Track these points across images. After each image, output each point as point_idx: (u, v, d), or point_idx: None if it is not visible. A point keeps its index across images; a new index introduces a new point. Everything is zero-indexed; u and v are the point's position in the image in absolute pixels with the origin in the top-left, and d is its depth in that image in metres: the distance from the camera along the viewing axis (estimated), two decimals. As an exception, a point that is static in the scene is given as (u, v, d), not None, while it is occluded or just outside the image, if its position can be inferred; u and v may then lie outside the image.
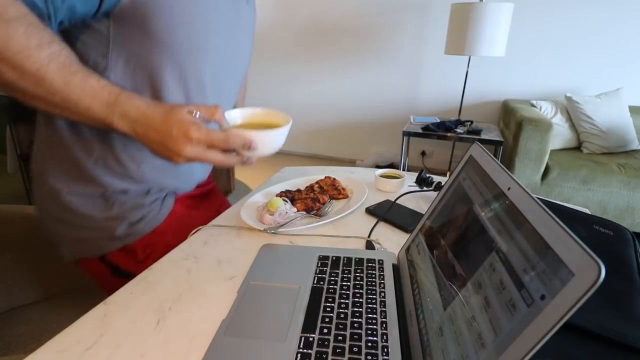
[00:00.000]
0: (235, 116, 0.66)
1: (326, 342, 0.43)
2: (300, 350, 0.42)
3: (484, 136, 2.29)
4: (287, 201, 0.78)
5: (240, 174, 2.89)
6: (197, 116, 0.56)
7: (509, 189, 0.37)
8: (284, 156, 3.50)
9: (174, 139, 0.53)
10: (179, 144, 0.53)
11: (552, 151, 2.18)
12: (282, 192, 0.85)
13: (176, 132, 0.53)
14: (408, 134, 2.39)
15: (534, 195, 0.33)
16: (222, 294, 0.53)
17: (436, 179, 0.90)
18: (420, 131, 2.39)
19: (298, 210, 0.77)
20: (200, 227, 0.71)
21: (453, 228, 0.47)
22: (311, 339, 0.44)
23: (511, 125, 2.23)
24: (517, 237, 0.33)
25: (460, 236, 0.44)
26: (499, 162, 0.42)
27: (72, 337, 0.45)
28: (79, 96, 0.51)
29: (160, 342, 0.44)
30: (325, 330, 0.45)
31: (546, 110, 2.32)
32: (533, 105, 2.38)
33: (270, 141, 0.61)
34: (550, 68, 2.62)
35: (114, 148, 0.65)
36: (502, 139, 2.24)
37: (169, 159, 0.56)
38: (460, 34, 2.18)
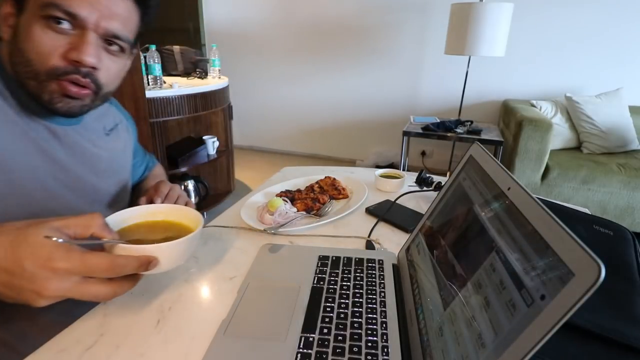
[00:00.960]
0: (126, 217, 0.51)
1: (326, 342, 0.43)
2: (300, 350, 0.42)
3: (484, 136, 2.29)
4: (287, 201, 0.78)
5: (240, 174, 2.90)
6: (60, 242, 0.37)
7: (509, 189, 0.37)
8: (284, 156, 3.50)
9: (30, 276, 0.36)
10: (38, 282, 0.36)
11: (552, 151, 2.17)
12: (282, 192, 0.85)
13: (31, 265, 0.36)
14: (408, 134, 2.39)
15: (534, 195, 0.33)
16: (222, 294, 0.53)
17: (436, 179, 0.90)
18: (420, 131, 2.39)
19: (298, 210, 0.77)
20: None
21: (453, 228, 0.47)
22: (311, 339, 0.44)
23: (511, 125, 2.22)
24: (517, 237, 0.33)
25: (460, 236, 0.44)
26: (499, 162, 0.42)
27: (72, 337, 0.45)
28: None
29: (160, 342, 0.45)
30: (325, 330, 0.45)
31: (546, 110, 2.32)
32: (533, 105, 2.38)
33: (178, 253, 0.46)
34: (550, 68, 2.62)
35: None
36: (502, 139, 2.24)
37: (27, 302, 0.38)
38: (460, 34, 2.18)
